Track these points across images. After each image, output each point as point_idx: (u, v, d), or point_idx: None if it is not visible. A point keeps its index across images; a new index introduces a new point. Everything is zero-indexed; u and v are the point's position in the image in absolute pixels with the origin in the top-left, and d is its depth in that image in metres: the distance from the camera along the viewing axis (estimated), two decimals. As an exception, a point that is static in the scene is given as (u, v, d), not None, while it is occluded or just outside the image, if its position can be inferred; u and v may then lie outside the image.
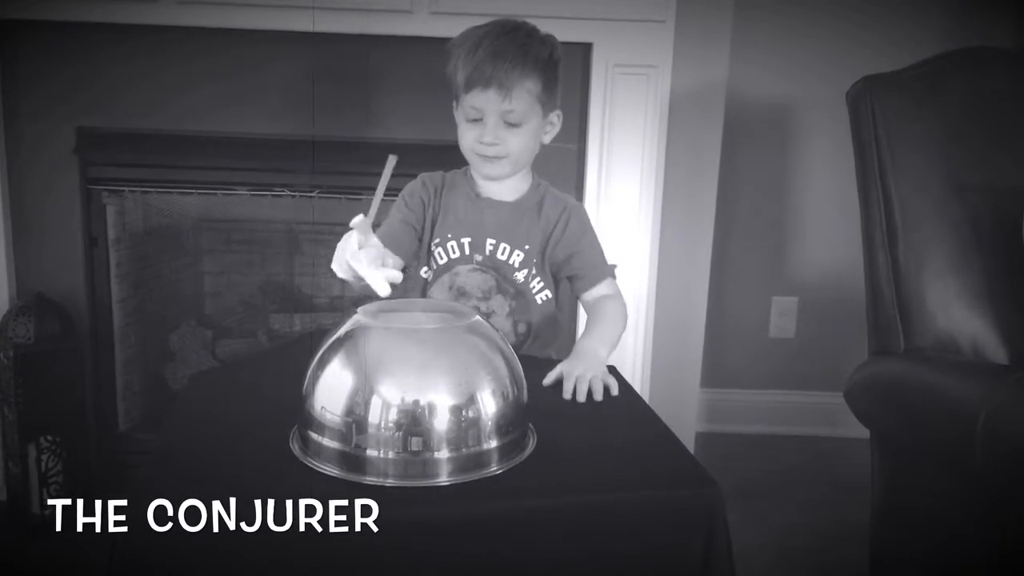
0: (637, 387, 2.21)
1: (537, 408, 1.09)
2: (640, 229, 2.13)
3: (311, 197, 2.14)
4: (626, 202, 2.12)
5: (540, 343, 1.51)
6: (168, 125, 2.08)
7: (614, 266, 1.50)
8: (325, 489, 0.94)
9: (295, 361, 1.07)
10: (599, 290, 1.47)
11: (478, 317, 1.07)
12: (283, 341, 2.47)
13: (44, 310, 2.01)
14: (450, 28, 1.95)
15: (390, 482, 0.95)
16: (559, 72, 1.44)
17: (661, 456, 1.04)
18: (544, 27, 1.98)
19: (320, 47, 2.04)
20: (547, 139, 1.48)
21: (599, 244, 1.51)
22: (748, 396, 2.76)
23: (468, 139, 1.43)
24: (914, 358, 1.47)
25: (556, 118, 1.47)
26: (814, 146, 2.64)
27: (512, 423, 1.01)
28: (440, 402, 0.96)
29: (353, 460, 0.97)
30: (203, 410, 1.19)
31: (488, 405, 0.98)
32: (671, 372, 2.26)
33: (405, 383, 0.97)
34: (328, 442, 0.98)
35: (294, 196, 2.13)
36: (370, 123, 2.07)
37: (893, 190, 1.53)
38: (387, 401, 0.95)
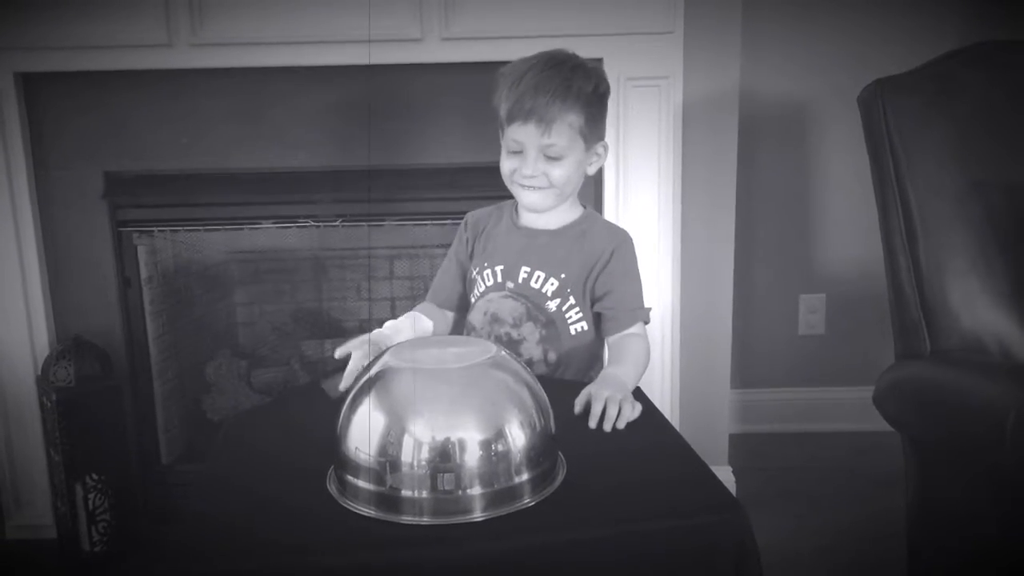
0: (667, 393, 2.23)
1: (565, 436, 1.11)
2: (661, 237, 2.14)
3: (335, 226, 2.17)
4: (645, 212, 2.13)
5: (572, 374, 1.49)
6: (191, 164, 2.12)
7: (649, 309, 1.48)
8: (362, 531, 0.97)
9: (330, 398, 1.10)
10: (627, 331, 1.45)
11: (503, 352, 1.09)
12: (318, 375, 2.50)
13: (83, 352, 2.06)
14: (461, 53, 2.01)
15: (425, 520, 0.98)
16: (606, 104, 1.43)
17: (687, 482, 1.05)
18: (553, 45, 2.01)
19: (336, 79, 2.07)
20: (592, 170, 1.47)
21: (639, 286, 1.48)
22: (780, 395, 2.76)
23: (507, 169, 1.43)
24: (940, 360, 1.47)
25: (602, 149, 1.46)
26: (834, 140, 2.63)
27: (541, 454, 1.03)
28: (470, 439, 0.98)
29: (389, 500, 0.99)
30: (241, 453, 1.22)
31: (517, 439, 1.00)
32: (700, 376, 2.27)
33: (435, 422, 0.99)
34: (363, 483, 1.01)
35: (319, 226, 2.17)
36: (389, 151, 2.10)
37: (910, 192, 1.52)
38: (418, 440, 0.98)
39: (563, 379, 1.45)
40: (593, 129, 1.41)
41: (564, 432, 1.11)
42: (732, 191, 2.18)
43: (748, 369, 2.72)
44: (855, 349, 2.70)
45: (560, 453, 1.09)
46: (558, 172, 1.40)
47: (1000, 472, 1.27)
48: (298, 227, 2.18)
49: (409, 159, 2.12)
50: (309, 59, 2.01)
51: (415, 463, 0.97)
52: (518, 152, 1.40)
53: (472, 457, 0.98)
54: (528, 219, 1.50)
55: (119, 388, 2.13)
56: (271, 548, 0.94)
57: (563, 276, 1.45)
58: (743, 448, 2.54)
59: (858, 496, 2.32)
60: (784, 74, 2.58)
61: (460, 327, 1.58)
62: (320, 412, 1.14)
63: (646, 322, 1.47)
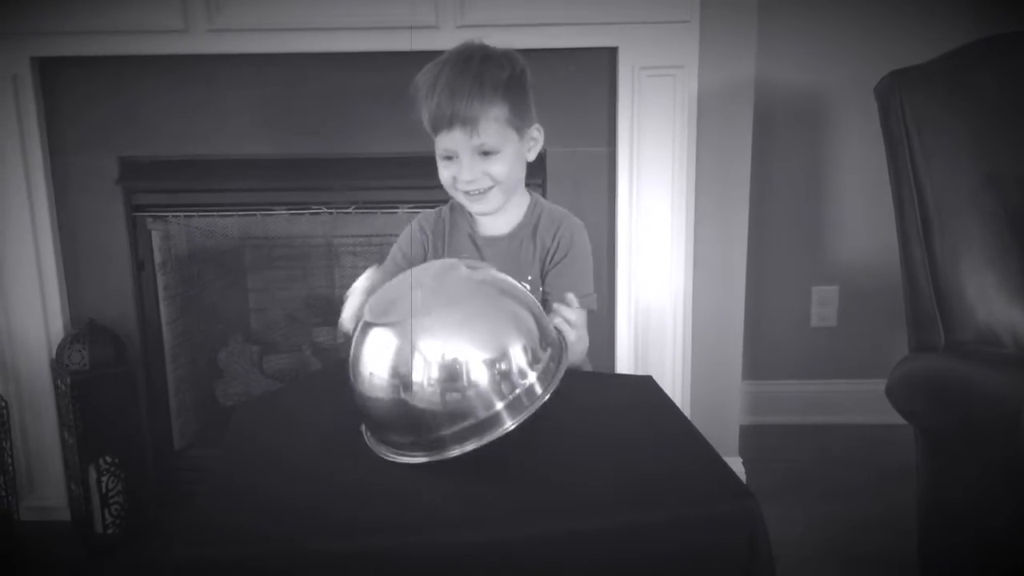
0: (679, 384, 2.23)
1: (576, 426, 1.11)
2: (674, 228, 2.14)
3: (348, 213, 2.17)
4: (659, 202, 2.13)
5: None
6: (206, 150, 2.13)
7: (593, 296, 1.43)
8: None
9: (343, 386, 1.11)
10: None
11: (494, 271, 1.12)
12: (328, 363, 2.51)
13: (97, 336, 2.08)
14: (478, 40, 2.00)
15: (470, 447, 1.01)
16: (527, 87, 1.39)
17: (700, 471, 1.05)
18: (569, 34, 2.02)
19: (350, 66, 2.07)
20: (532, 156, 1.43)
21: (582, 269, 1.44)
22: (792, 386, 2.76)
23: (447, 177, 1.40)
24: (953, 353, 1.46)
25: (537, 132, 1.42)
26: (848, 132, 2.62)
27: (543, 342, 1.06)
28: (474, 359, 1.01)
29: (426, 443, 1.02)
30: (250, 440, 1.22)
31: (517, 356, 1.03)
32: (712, 367, 2.27)
33: (444, 338, 1.01)
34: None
35: (331, 213, 2.17)
36: (404, 138, 2.09)
37: (926, 185, 1.51)
38: (427, 360, 1.00)
39: None
40: (522, 115, 1.37)
41: (575, 423, 1.12)
42: (746, 182, 2.18)
43: (760, 361, 2.72)
44: (867, 341, 2.69)
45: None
46: (497, 168, 1.36)
47: (1012, 464, 1.26)
48: (311, 213, 2.18)
49: (423, 146, 2.11)
50: (324, 46, 2.01)
51: (426, 381, 1.00)
52: (452, 159, 1.37)
53: (480, 376, 1.00)
54: (484, 226, 1.46)
55: (132, 372, 2.15)
56: (278, 539, 0.93)
57: (530, 278, 1.43)
58: (754, 440, 2.54)
59: (869, 488, 2.32)
60: (799, 65, 2.57)
61: None
62: (330, 399, 1.14)
63: (590, 308, 1.42)
